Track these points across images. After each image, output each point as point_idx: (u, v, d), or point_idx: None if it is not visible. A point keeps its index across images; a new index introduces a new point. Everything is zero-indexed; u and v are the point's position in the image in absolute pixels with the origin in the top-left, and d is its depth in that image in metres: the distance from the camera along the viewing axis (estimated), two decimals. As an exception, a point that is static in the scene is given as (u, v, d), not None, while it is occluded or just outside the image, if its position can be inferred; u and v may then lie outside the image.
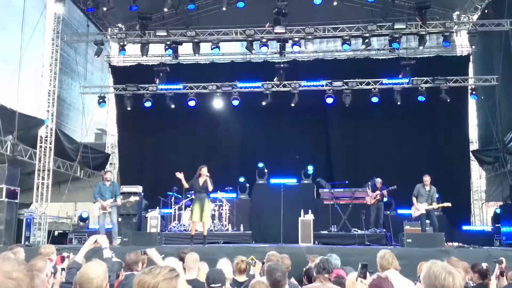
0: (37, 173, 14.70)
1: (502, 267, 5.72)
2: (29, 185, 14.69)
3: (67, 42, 16.19)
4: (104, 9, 15.08)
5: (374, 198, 13.45)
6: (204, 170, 10.82)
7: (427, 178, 11.98)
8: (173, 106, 16.32)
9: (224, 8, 15.14)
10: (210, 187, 10.81)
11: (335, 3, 14.36)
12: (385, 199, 13.87)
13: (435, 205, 11.89)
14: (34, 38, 14.07)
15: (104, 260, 4.60)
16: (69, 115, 17.22)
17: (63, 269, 5.20)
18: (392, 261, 4.98)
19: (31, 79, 14.97)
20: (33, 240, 13.28)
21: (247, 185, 15.81)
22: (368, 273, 4.14)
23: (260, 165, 15.73)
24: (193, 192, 11.66)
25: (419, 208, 11.83)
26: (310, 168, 15.25)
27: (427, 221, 11.78)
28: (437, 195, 12.21)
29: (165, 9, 14.87)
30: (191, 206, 11.31)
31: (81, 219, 16.35)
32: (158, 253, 5.77)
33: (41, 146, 14.84)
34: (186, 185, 10.87)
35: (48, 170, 14.80)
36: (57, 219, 16.68)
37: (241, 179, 15.98)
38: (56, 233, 15.68)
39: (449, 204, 12.12)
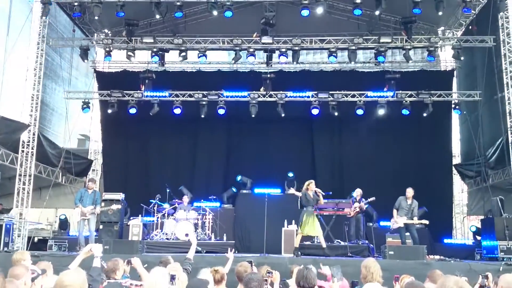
0: (18, 178, 14.46)
1: (485, 282, 5.65)
2: (10, 190, 14.45)
3: (52, 47, 16.04)
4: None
5: (354, 210, 13.48)
6: (311, 186, 11.66)
7: (409, 190, 11.85)
8: (151, 114, 16.07)
9: (206, 7, 14.94)
10: (322, 201, 11.72)
11: (319, 12, 14.41)
12: (365, 206, 13.87)
13: (415, 220, 11.75)
14: (19, 42, 13.93)
15: (92, 269, 4.53)
16: (52, 120, 17.02)
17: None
18: (376, 274, 4.94)
19: (14, 82, 14.79)
20: (12, 246, 13.04)
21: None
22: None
23: (238, 178, 15.76)
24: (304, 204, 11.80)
25: (397, 221, 11.66)
26: (291, 174, 15.38)
27: (407, 234, 11.69)
28: (424, 209, 12.16)
29: (156, 15, 14.78)
30: (301, 220, 11.49)
31: (61, 221, 16.07)
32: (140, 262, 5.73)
33: (23, 151, 14.62)
34: (299, 194, 11.90)
35: (30, 175, 14.57)
36: (37, 225, 16.44)
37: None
38: (36, 239, 15.44)
39: (426, 222, 12.08)
